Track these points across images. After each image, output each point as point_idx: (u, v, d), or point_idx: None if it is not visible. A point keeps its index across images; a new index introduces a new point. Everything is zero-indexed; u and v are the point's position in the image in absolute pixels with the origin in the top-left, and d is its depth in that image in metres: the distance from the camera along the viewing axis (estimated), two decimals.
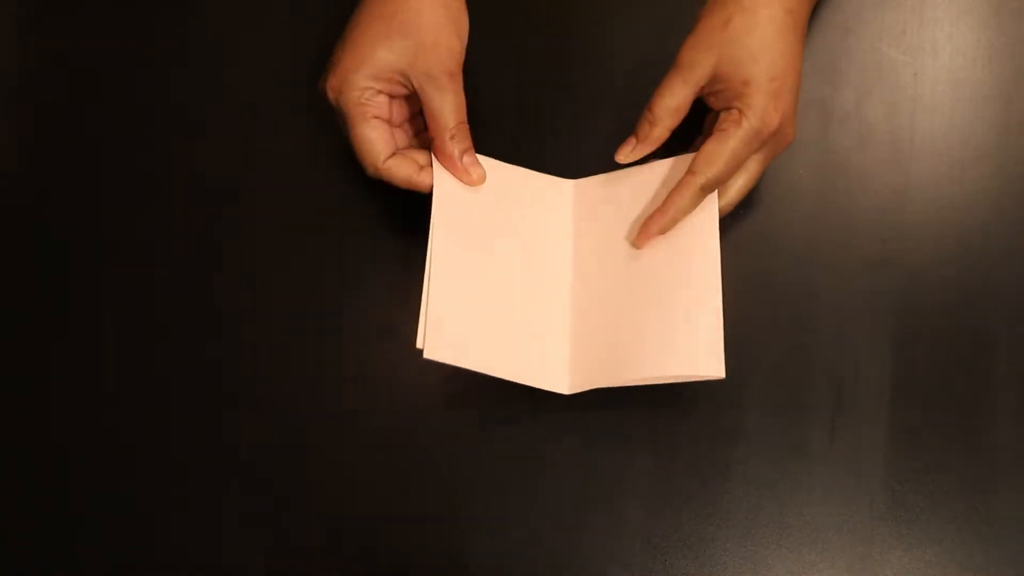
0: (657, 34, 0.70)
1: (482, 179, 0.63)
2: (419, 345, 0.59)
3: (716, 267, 0.60)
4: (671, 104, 0.61)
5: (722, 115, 0.61)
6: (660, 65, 0.69)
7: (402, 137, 0.65)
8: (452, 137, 0.62)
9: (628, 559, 0.62)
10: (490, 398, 0.64)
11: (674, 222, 0.61)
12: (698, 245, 0.61)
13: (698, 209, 0.61)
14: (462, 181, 0.63)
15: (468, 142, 0.63)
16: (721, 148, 0.60)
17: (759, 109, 0.60)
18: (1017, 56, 0.68)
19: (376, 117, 0.62)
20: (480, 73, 0.67)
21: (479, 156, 0.63)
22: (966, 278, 0.65)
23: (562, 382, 0.62)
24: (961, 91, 0.68)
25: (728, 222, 0.66)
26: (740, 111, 0.60)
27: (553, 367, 0.62)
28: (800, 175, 0.67)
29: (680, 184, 0.61)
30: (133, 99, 0.71)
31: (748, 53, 0.60)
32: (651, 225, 0.61)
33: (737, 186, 0.63)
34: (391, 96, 0.63)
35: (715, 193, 0.61)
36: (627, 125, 0.68)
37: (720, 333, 0.59)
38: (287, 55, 0.71)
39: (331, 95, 0.62)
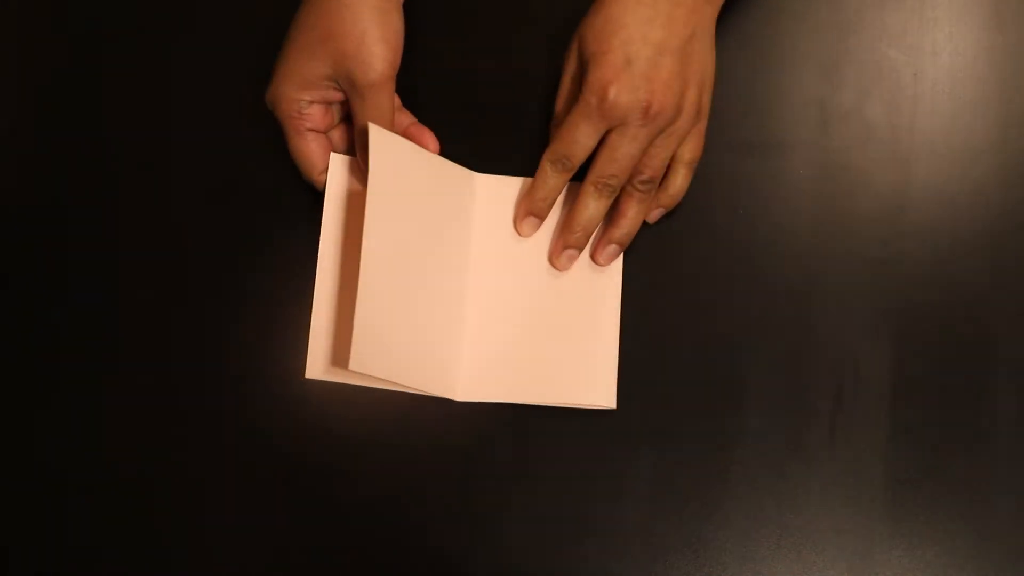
0: None
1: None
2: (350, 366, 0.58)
3: (617, 298, 0.64)
4: (559, 98, 0.63)
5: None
6: None
7: (339, 140, 0.65)
8: (365, 148, 0.61)
9: (628, 559, 0.62)
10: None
11: (541, 210, 0.64)
12: (602, 275, 0.64)
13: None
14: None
15: None
16: (570, 123, 0.60)
17: (593, 82, 0.59)
18: (1017, 56, 0.68)
19: (311, 129, 0.63)
20: (479, 74, 0.67)
21: (398, 138, 0.63)
22: (966, 278, 0.65)
23: (453, 388, 0.63)
24: (961, 91, 0.68)
25: (728, 222, 0.66)
26: (581, 88, 0.60)
27: (446, 373, 0.63)
28: (800, 175, 0.67)
29: (541, 174, 0.63)
30: (132, 97, 0.71)
31: (594, 29, 0.60)
32: (559, 240, 0.64)
33: (677, 182, 0.64)
34: (327, 103, 0.63)
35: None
36: None
37: (615, 365, 0.63)
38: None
39: (269, 105, 0.63)
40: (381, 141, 0.61)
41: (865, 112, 0.68)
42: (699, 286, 0.66)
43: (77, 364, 0.66)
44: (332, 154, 0.64)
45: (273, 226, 0.67)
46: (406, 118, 0.66)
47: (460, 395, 0.63)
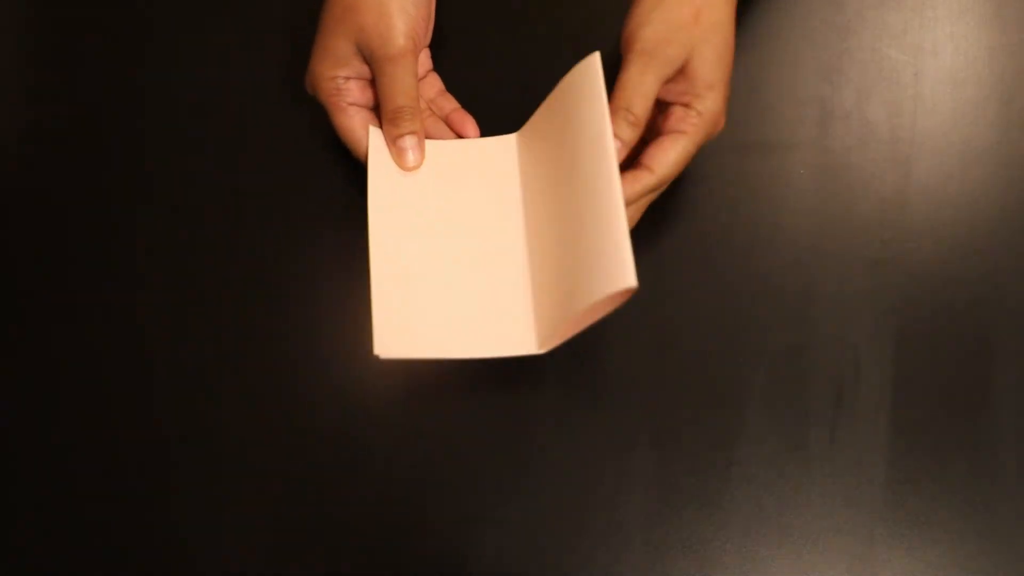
0: None
1: (416, 164, 0.62)
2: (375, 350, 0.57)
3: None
4: (651, 98, 0.59)
5: (677, 113, 0.59)
6: None
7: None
8: (389, 120, 0.61)
9: (628, 559, 0.62)
10: (491, 398, 0.64)
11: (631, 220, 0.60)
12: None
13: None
14: (396, 164, 0.62)
15: (409, 127, 0.61)
16: (680, 150, 0.59)
17: (716, 112, 0.59)
18: (1017, 56, 0.68)
19: (352, 104, 0.62)
20: (479, 74, 0.67)
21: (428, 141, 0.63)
22: (966, 278, 0.65)
23: (528, 343, 0.60)
24: (961, 91, 0.68)
25: (728, 222, 0.66)
26: (699, 114, 0.59)
27: (516, 331, 0.60)
28: (800, 175, 0.67)
29: (632, 178, 0.59)
30: (131, 97, 0.71)
31: (716, 55, 0.59)
32: None
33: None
34: (364, 78, 0.62)
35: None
36: None
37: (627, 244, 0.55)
38: (283, 51, 0.71)
39: (309, 92, 0.63)
40: (378, 141, 0.62)
41: (865, 112, 0.68)
42: (699, 286, 0.66)
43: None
44: (371, 128, 0.63)
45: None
46: (448, 103, 0.66)
47: (537, 347, 0.59)
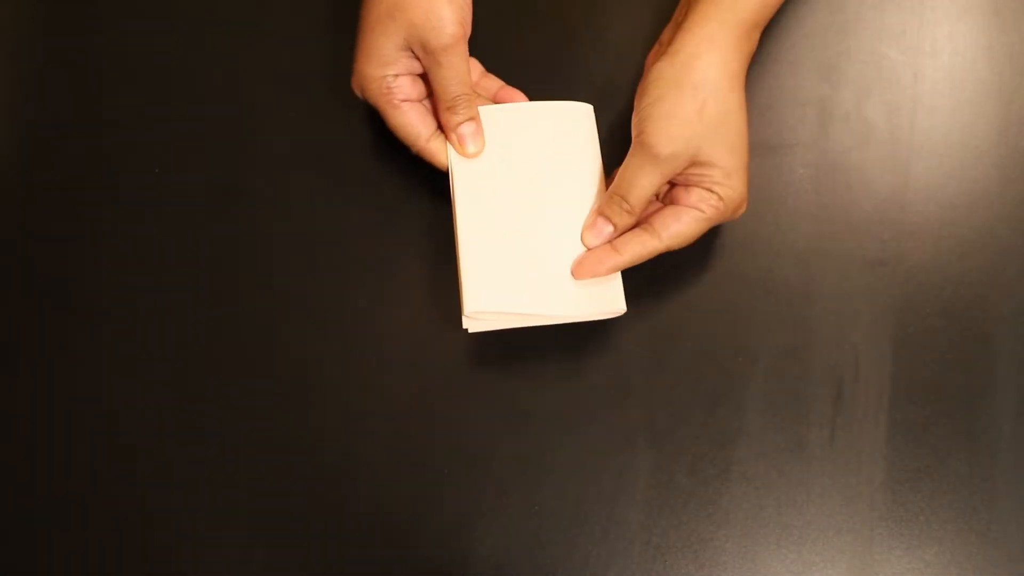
0: (655, 35, 0.70)
1: (477, 151, 0.62)
2: (465, 312, 0.59)
3: None
4: (649, 192, 0.60)
5: (699, 193, 0.60)
6: None
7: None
8: (448, 108, 0.61)
9: (628, 559, 0.62)
10: (490, 398, 0.65)
11: (621, 268, 0.61)
12: None
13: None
14: (458, 152, 0.62)
15: (467, 113, 0.62)
16: (695, 227, 0.60)
17: (737, 199, 0.60)
18: (1017, 56, 0.68)
19: (405, 100, 0.62)
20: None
21: (491, 109, 0.64)
22: (966, 278, 0.65)
23: (618, 302, 0.61)
24: (961, 91, 0.68)
25: (728, 222, 0.65)
26: (720, 197, 0.60)
27: (606, 292, 0.61)
28: (800, 175, 0.67)
29: (640, 241, 0.60)
30: (130, 98, 0.71)
31: (727, 146, 0.59)
32: (599, 265, 0.61)
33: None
34: (413, 74, 0.63)
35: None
36: (626, 125, 0.68)
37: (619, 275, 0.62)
38: (289, 51, 0.71)
39: (358, 94, 0.63)
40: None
41: (865, 112, 0.68)
42: (699, 286, 0.66)
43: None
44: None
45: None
46: (493, 83, 0.66)
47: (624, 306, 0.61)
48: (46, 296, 0.68)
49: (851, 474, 0.63)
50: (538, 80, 0.69)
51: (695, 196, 0.60)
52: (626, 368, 0.64)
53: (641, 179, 0.60)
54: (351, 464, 0.64)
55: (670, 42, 0.61)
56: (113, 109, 0.71)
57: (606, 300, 0.61)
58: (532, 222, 0.62)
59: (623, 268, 0.61)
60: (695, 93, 0.59)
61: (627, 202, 0.60)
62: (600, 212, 0.61)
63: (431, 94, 0.63)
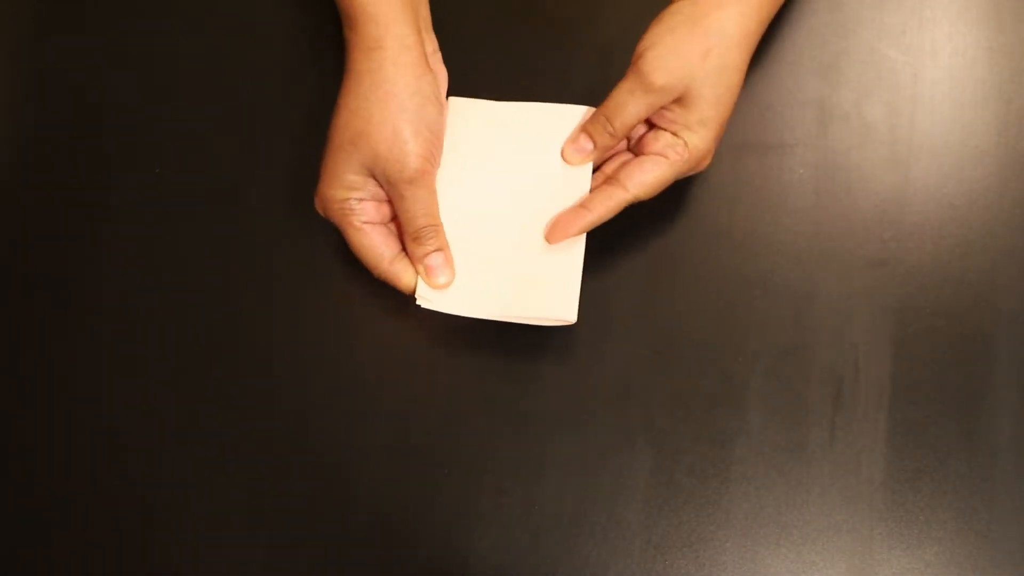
0: None
1: (447, 282, 0.62)
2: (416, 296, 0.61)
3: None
4: (634, 119, 0.60)
5: (666, 139, 0.60)
6: None
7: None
8: (414, 240, 0.61)
9: (628, 559, 0.62)
10: (490, 398, 0.65)
11: (593, 226, 0.61)
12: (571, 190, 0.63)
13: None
14: (427, 283, 0.62)
15: (434, 244, 0.61)
16: (659, 174, 0.60)
17: (702, 150, 0.60)
18: (1017, 56, 0.68)
19: (367, 223, 0.61)
20: (480, 74, 0.67)
21: (479, 104, 0.64)
22: (966, 277, 0.65)
23: (568, 311, 0.61)
24: (961, 91, 0.68)
25: (728, 221, 0.66)
26: (685, 145, 0.60)
27: (558, 298, 0.61)
28: (800, 175, 0.67)
29: (607, 194, 0.61)
30: (131, 100, 0.71)
31: (715, 95, 0.59)
32: (570, 225, 0.61)
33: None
34: (377, 200, 0.62)
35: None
36: None
37: (578, 280, 0.62)
38: (284, 62, 0.71)
39: (320, 212, 0.62)
40: (457, 107, 0.64)
41: (864, 112, 0.68)
42: (699, 286, 0.66)
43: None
44: (451, 98, 0.64)
45: None
46: None
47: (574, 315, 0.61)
48: (46, 296, 0.68)
49: (851, 474, 0.63)
50: (536, 80, 0.69)
51: (661, 142, 0.60)
52: (626, 368, 0.64)
53: (630, 104, 0.60)
54: (351, 464, 0.64)
55: None
56: (113, 109, 0.71)
57: (558, 307, 0.61)
58: (503, 222, 0.62)
59: (595, 226, 0.61)
60: (706, 36, 0.59)
61: (611, 124, 0.60)
62: (583, 129, 0.62)
63: (395, 218, 0.63)
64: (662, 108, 0.60)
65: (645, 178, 0.60)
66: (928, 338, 0.64)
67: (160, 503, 0.64)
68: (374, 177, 0.60)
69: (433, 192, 0.61)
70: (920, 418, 0.63)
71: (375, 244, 0.61)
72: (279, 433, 0.65)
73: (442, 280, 0.62)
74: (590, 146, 0.62)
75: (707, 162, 0.62)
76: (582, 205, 0.61)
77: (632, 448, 0.63)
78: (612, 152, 0.64)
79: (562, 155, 0.63)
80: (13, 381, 0.67)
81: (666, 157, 0.60)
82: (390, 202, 0.62)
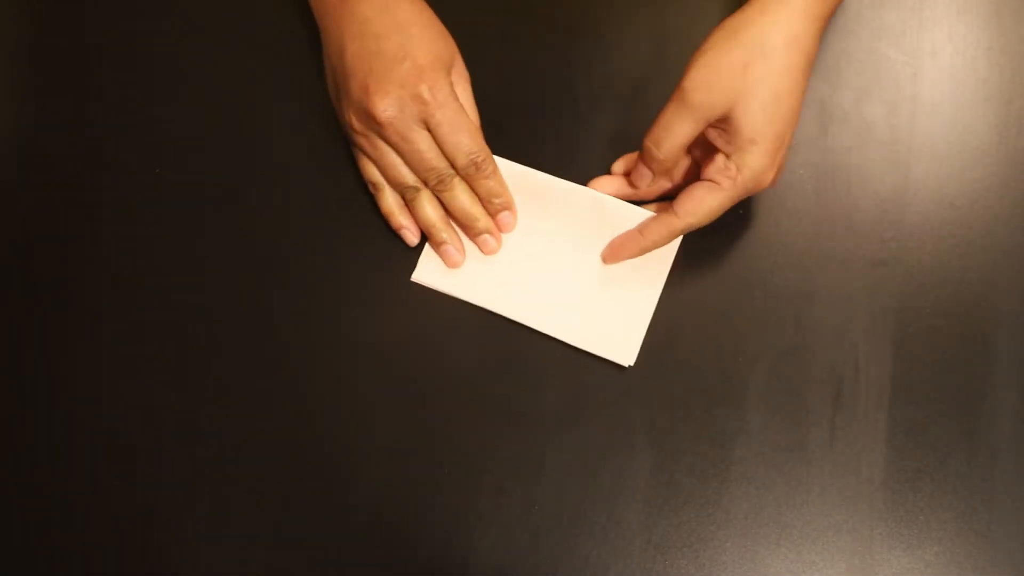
0: (657, 35, 0.70)
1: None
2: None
3: (665, 270, 0.65)
4: (680, 140, 0.59)
5: (718, 164, 0.59)
6: (659, 66, 0.69)
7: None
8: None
9: (628, 559, 0.62)
10: (490, 398, 0.65)
11: (647, 251, 0.63)
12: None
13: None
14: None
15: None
16: (710, 201, 0.60)
17: (757, 170, 0.59)
18: (1017, 56, 0.68)
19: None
20: (481, 73, 0.67)
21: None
22: (966, 278, 0.65)
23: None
24: (961, 91, 0.68)
25: (728, 221, 0.65)
26: (738, 168, 0.59)
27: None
28: (800, 175, 0.67)
29: (661, 221, 0.62)
30: (131, 101, 0.71)
31: (762, 109, 0.57)
32: (623, 249, 0.63)
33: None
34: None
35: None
36: (627, 125, 0.68)
37: (644, 328, 0.65)
38: (282, 58, 0.71)
39: (393, 111, 0.62)
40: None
41: (865, 112, 0.68)
42: (699, 286, 0.66)
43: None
44: None
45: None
46: None
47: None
48: (46, 296, 0.68)
49: (851, 474, 0.62)
50: (536, 80, 0.69)
51: (713, 168, 0.60)
52: (626, 368, 0.64)
53: (674, 125, 0.59)
54: (351, 464, 0.64)
55: None
56: (113, 109, 0.71)
57: (618, 349, 0.65)
58: (567, 255, 0.66)
59: (648, 251, 0.63)
60: (746, 47, 0.57)
61: (659, 149, 0.60)
62: (640, 158, 0.62)
63: None
64: (713, 128, 0.59)
65: (696, 206, 0.60)
66: (928, 338, 0.64)
67: (160, 503, 0.64)
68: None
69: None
70: (920, 418, 0.63)
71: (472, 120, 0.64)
72: (279, 433, 0.65)
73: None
74: (648, 173, 0.62)
75: (769, 179, 0.59)
76: (638, 229, 0.62)
77: (632, 448, 0.63)
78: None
79: (630, 183, 0.64)
80: (13, 381, 0.67)
81: (717, 183, 0.59)
82: None
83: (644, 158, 0.62)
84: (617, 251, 0.64)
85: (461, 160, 0.63)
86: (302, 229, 0.68)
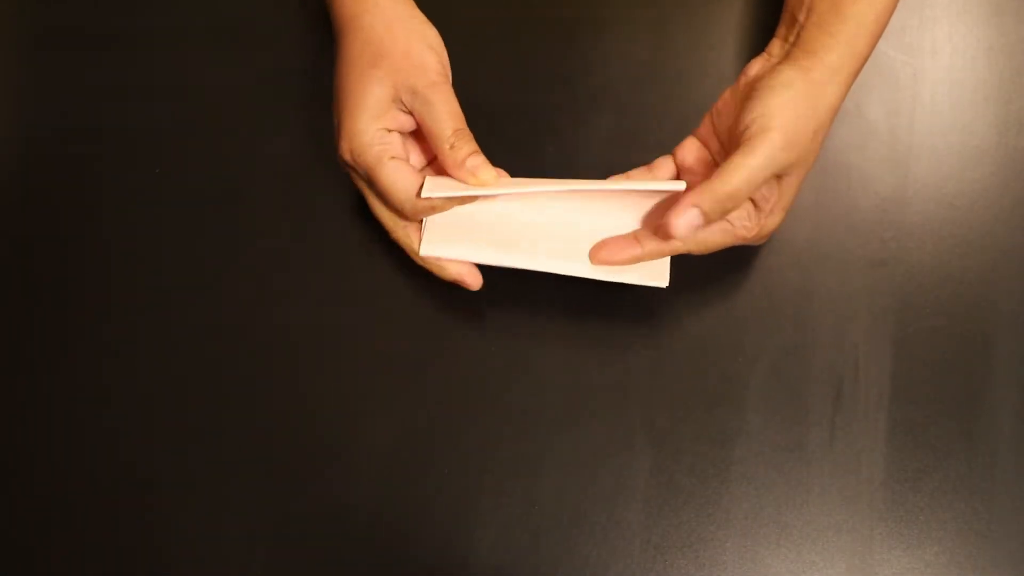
0: (656, 35, 0.70)
1: (493, 180, 0.60)
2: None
3: None
4: (752, 194, 0.58)
5: (742, 212, 0.59)
6: (660, 66, 0.69)
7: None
8: (450, 147, 0.60)
9: (628, 559, 0.62)
10: (490, 397, 0.65)
11: (638, 260, 0.61)
12: None
13: None
14: (470, 184, 0.60)
15: (469, 147, 0.60)
16: (721, 240, 0.60)
17: (772, 226, 0.60)
18: (1017, 56, 0.68)
19: (394, 158, 0.60)
20: (480, 75, 0.67)
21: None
22: (966, 277, 0.65)
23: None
24: (961, 91, 0.68)
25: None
26: (759, 225, 0.60)
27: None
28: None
29: (662, 241, 0.60)
30: (131, 99, 0.71)
31: (800, 177, 0.59)
32: (616, 252, 0.61)
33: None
34: (402, 131, 0.62)
35: None
36: (627, 125, 0.68)
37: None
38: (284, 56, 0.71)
39: (347, 158, 0.61)
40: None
41: (864, 112, 0.68)
42: (699, 286, 0.66)
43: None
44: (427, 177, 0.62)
45: None
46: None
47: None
48: (46, 296, 0.68)
49: (851, 474, 0.62)
50: (536, 80, 0.69)
51: (735, 213, 0.59)
52: (626, 368, 0.64)
53: (758, 178, 0.56)
54: (351, 464, 0.64)
55: (787, 56, 0.59)
56: (113, 109, 0.71)
57: (650, 272, 0.61)
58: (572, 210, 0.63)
59: (640, 261, 0.61)
60: (816, 113, 0.57)
61: (731, 201, 0.56)
62: (695, 204, 0.56)
63: (431, 161, 0.63)
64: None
65: (706, 236, 0.60)
66: (928, 338, 0.64)
67: (160, 503, 0.64)
68: (399, 100, 0.60)
69: (454, 100, 0.60)
70: (920, 418, 0.63)
71: (405, 176, 0.60)
72: (279, 433, 0.65)
73: (487, 175, 0.60)
74: (700, 221, 0.57)
75: (764, 239, 0.61)
76: (635, 236, 0.61)
77: (632, 448, 0.63)
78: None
79: (668, 228, 0.57)
80: (13, 380, 0.67)
81: (732, 226, 0.59)
82: (413, 134, 0.63)
83: (705, 206, 0.56)
84: (609, 253, 0.61)
85: (408, 214, 0.62)
86: (302, 229, 0.68)
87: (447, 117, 0.60)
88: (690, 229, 0.57)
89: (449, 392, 0.65)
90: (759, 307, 0.65)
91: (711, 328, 0.65)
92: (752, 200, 0.59)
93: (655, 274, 0.61)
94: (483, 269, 0.63)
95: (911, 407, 0.63)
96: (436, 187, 0.60)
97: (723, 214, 0.57)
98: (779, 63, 0.59)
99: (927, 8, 0.69)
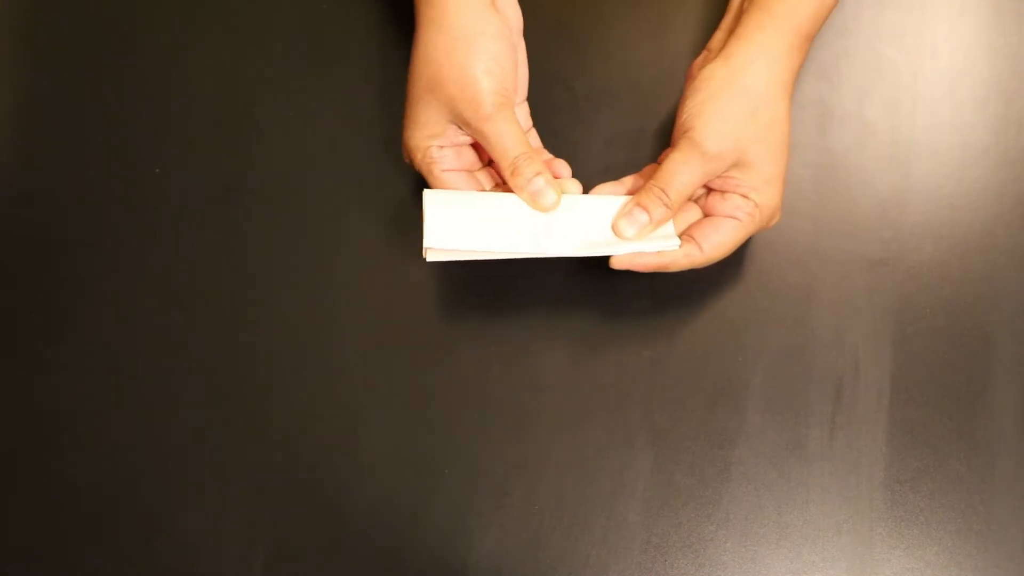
0: (656, 35, 0.70)
1: (553, 203, 0.60)
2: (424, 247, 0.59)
3: None
4: (690, 189, 0.59)
5: (735, 200, 0.60)
6: (659, 66, 0.69)
7: (487, 180, 0.64)
8: (512, 172, 0.59)
9: (628, 559, 0.62)
10: (490, 398, 0.65)
11: (658, 270, 0.61)
12: None
13: None
14: (536, 209, 0.60)
15: (533, 170, 0.59)
16: (736, 237, 0.60)
17: (773, 207, 0.60)
18: (1017, 56, 0.68)
19: (447, 171, 0.61)
20: None
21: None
22: (966, 277, 0.65)
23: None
24: (961, 91, 0.68)
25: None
26: (757, 206, 0.60)
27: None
28: (800, 175, 0.67)
29: (684, 253, 0.60)
30: (132, 99, 0.71)
31: (770, 152, 0.59)
32: (638, 259, 0.60)
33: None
34: (458, 145, 0.62)
35: None
36: (627, 125, 0.68)
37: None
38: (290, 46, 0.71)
39: (406, 160, 0.62)
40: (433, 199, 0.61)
41: (865, 112, 0.68)
42: (699, 286, 0.66)
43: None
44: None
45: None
46: (543, 156, 0.65)
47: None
48: (46, 296, 0.68)
49: (851, 474, 0.63)
50: (536, 80, 0.69)
51: (731, 204, 0.60)
52: (626, 368, 0.64)
53: (684, 174, 0.59)
54: (351, 465, 0.64)
55: (721, 48, 0.61)
56: (114, 109, 0.71)
57: (660, 238, 0.60)
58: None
59: (659, 270, 0.60)
60: (747, 97, 0.58)
61: (667, 195, 0.59)
62: (638, 202, 0.60)
63: (490, 162, 0.63)
64: (723, 176, 0.60)
65: (722, 239, 0.60)
66: (928, 338, 0.64)
67: (160, 503, 0.64)
68: (454, 123, 0.60)
69: (516, 123, 0.60)
70: (920, 418, 0.63)
71: (451, 188, 0.61)
72: (278, 434, 0.65)
73: (549, 201, 0.60)
74: (645, 217, 0.59)
75: (778, 218, 0.61)
76: (657, 253, 0.60)
77: (632, 448, 0.63)
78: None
79: (614, 230, 0.60)
80: (14, 381, 0.67)
81: (738, 219, 0.60)
82: (474, 146, 0.63)
83: (646, 201, 0.60)
84: (631, 257, 0.60)
85: None
86: (302, 229, 0.68)
87: (506, 147, 0.59)
88: (636, 226, 0.60)
89: (449, 392, 0.65)
90: (759, 307, 0.65)
91: (711, 328, 0.65)
92: (731, 191, 0.60)
93: (663, 238, 0.61)
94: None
95: (911, 407, 0.63)
96: (439, 233, 0.59)
97: (666, 210, 0.59)
98: (714, 57, 0.60)
99: (927, 9, 0.69)
